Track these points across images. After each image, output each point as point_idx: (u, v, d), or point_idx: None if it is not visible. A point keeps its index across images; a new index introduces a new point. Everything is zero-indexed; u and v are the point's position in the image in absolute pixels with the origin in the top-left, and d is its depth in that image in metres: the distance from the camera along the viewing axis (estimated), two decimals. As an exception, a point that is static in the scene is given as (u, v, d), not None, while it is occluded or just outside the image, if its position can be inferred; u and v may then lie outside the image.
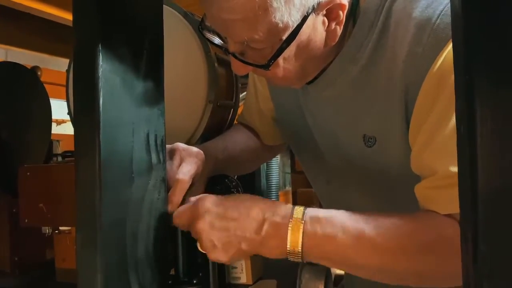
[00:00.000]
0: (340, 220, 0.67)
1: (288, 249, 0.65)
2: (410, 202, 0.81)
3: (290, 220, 0.66)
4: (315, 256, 0.68)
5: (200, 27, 0.75)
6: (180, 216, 0.69)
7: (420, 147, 0.72)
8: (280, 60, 0.70)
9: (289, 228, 0.65)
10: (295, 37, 0.68)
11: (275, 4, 0.63)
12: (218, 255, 0.67)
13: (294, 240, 0.65)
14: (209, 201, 0.67)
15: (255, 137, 1.09)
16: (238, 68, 0.74)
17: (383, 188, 0.84)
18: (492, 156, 0.33)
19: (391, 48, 0.71)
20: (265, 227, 0.66)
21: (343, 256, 0.67)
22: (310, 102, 0.86)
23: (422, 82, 0.68)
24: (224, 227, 0.66)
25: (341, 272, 1.27)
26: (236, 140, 1.03)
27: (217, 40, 0.74)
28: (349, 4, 0.71)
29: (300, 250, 0.65)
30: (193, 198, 0.70)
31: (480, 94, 0.32)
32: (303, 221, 0.66)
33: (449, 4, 0.68)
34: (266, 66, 0.69)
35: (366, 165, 0.81)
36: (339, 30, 0.71)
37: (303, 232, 0.65)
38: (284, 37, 0.67)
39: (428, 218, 0.69)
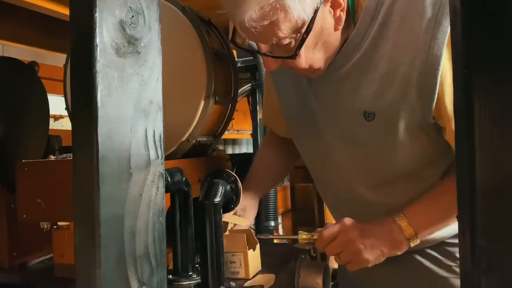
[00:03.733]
0: (424, 201, 0.95)
1: (406, 234, 0.93)
2: (402, 182, 0.97)
3: (396, 221, 0.94)
4: (424, 229, 0.94)
5: (232, 41, 0.93)
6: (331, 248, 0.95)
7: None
8: (302, 50, 0.85)
9: (398, 223, 0.93)
10: (311, 28, 0.82)
11: (292, 5, 0.78)
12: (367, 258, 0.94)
13: (405, 226, 0.92)
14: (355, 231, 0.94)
15: (281, 148, 1.24)
16: (269, 64, 0.90)
17: (378, 167, 0.97)
18: (490, 151, 0.33)
19: (393, 39, 0.87)
20: (384, 226, 0.94)
21: (440, 217, 0.94)
22: (318, 87, 0.99)
23: (438, 63, 0.82)
24: (368, 231, 0.94)
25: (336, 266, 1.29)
26: (269, 167, 1.23)
27: (248, 47, 0.94)
28: (346, 2, 0.87)
29: (411, 228, 0.92)
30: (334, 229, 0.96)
31: (479, 88, 0.32)
32: (404, 216, 0.94)
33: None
34: (293, 56, 0.85)
35: (364, 140, 0.95)
36: (344, 16, 0.87)
37: (407, 219, 0.93)
38: (303, 30, 0.83)
39: None
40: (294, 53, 0.84)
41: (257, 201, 1.15)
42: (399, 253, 0.96)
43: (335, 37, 0.89)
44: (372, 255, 0.94)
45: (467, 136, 0.33)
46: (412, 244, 0.94)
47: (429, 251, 1.05)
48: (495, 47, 0.32)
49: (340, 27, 0.87)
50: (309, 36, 0.83)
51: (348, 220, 0.95)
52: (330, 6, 0.84)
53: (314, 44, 0.87)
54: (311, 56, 0.88)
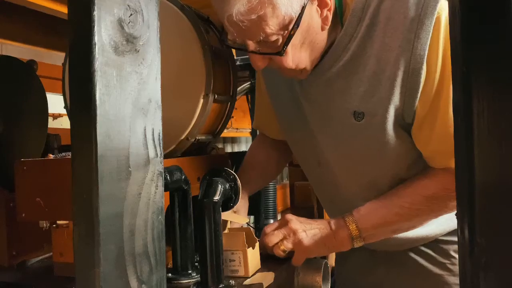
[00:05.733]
0: (374, 203, 0.96)
1: (351, 232, 0.95)
2: (389, 183, 0.99)
3: (344, 218, 0.97)
4: (369, 228, 0.95)
5: (221, 39, 0.95)
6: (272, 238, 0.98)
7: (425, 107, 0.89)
8: (289, 48, 0.86)
9: (346, 220, 0.96)
10: (299, 25, 0.83)
11: (279, 1, 0.79)
12: (308, 245, 0.96)
13: (352, 226, 0.95)
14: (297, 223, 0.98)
15: (274, 147, 1.26)
16: (257, 62, 0.90)
17: (367, 167, 0.99)
18: (489, 149, 0.33)
19: (380, 39, 0.88)
20: (331, 224, 0.97)
21: (385, 218, 0.95)
22: (309, 88, 1.00)
23: (421, 62, 0.84)
24: (307, 224, 0.97)
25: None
26: (260, 167, 1.25)
27: (237, 45, 0.92)
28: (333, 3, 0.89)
29: (357, 228, 0.95)
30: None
31: (477, 86, 0.32)
32: (352, 215, 0.96)
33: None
34: (280, 53, 0.86)
35: (354, 140, 0.97)
36: (330, 16, 0.88)
37: (354, 218, 0.95)
38: (290, 27, 0.83)
39: (431, 174, 0.93)
40: (281, 50, 0.85)
41: (247, 201, 1.17)
42: (343, 249, 0.99)
43: (322, 37, 0.90)
44: (314, 245, 0.96)
45: (465, 134, 0.33)
46: (355, 244, 0.96)
47: (423, 248, 1.06)
48: (493, 45, 0.32)
49: (327, 27, 0.89)
50: (296, 34, 0.84)
51: (291, 215, 0.99)
52: (317, 5, 0.85)
53: (301, 42, 0.87)
54: (298, 55, 0.89)
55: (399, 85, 0.87)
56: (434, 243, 1.05)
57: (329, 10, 0.87)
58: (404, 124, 0.92)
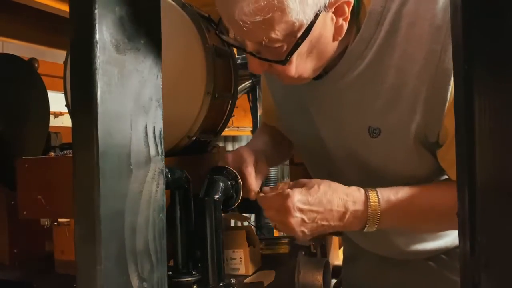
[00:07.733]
0: (406, 196, 0.82)
1: (367, 227, 0.82)
2: None
3: (369, 207, 0.81)
4: (388, 225, 0.84)
5: (217, 31, 0.83)
6: (269, 209, 0.85)
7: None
8: (294, 56, 0.76)
9: (369, 217, 0.81)
10: (309, 34, 0.73)
11: (291, 5, 0.68)
12: (306, 238, 0.84)
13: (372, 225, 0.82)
14: (296, 199, 0.81)
15: (278, 135, 1.16)
16: (255, 67, 0.81)
17: (380, 179, 0.88)
18: (491, 148, 0.33)
19: (401, 47, 0.78)
20: (348, 216, 0.81)
21: (410, 222, 0.85)
22: (318, 96, 0.91)
23: (449, 76, 0.74)
24: (312, 219, 0.81)
25: (340, 263, 1.28)
26: (273, 135, 1.14)
27: (233, 41, 0.81)
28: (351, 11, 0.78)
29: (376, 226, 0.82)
30: (279, 190, 0.85)
31: (479, 84, 0.32)
32: (380, 208, 0.81)
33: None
34: (283, 62, 0.75)
35: (369, 156, 0.87)
36: (345, 26, 0.77)
37: (380, 217, 0.81)
38: (299, 34, 0.73)
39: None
40: (285, 59, 0.75)
41: (266, 165, 1.00)
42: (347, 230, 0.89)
43: (332, 47, 0.80)
44: (309, 236, 0.83)
45: (467, 133, 0.33)
46: (365, 230, 0.84)
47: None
48: (495, 43, 0.32)
49: (340, 38, 0.78)
50: (304, 42, 0.74)
51: (292, 201, 0.81)
52: (333, 13, 0.75)
53: (308, 52, 0.77)
54: (303, 65, 0.79)
55: (422, 101, 0.77)
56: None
57: (345, 19, 0.76)
58: (427, 143, 0.82)
